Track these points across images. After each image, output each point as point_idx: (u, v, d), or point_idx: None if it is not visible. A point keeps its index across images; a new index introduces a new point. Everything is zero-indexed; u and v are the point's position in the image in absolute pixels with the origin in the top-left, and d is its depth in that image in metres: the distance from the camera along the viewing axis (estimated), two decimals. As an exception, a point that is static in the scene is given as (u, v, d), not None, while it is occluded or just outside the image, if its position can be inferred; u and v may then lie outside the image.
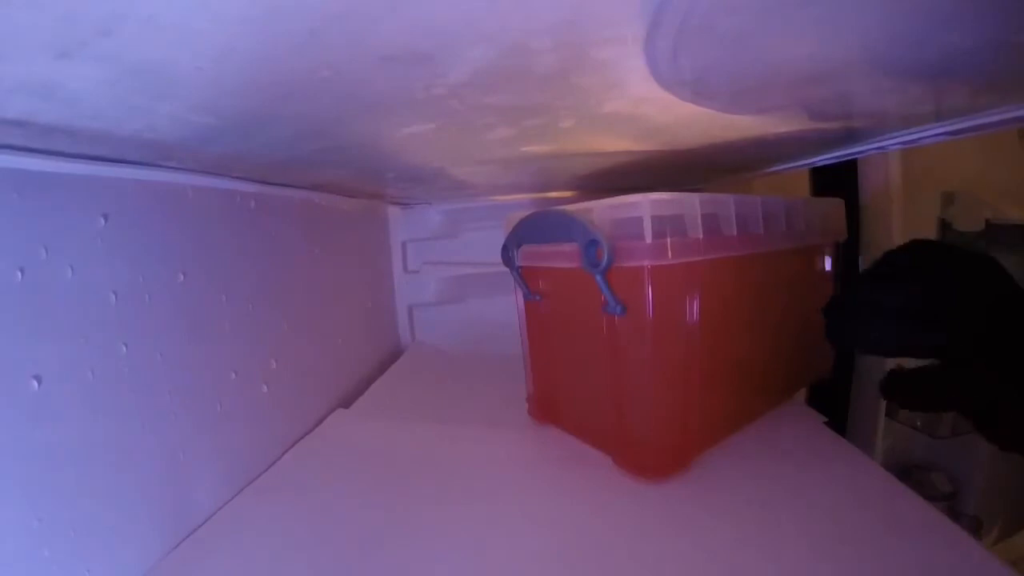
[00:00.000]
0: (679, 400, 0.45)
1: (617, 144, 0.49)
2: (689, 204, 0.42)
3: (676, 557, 0.36)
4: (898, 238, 0.82)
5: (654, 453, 0.46)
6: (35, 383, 0.29)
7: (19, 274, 0.29)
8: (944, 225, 0.79)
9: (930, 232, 0.81)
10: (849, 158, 0.57)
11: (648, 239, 0.41)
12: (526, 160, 0.54)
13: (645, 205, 0.41)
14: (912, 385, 0.38)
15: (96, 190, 0.34)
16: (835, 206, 0.64)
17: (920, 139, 0.45)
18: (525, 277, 0.56)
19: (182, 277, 0.41)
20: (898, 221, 0.82)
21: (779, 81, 0.31)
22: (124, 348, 0.36)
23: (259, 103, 0.29)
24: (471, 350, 0.88)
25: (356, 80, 0.27)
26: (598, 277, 0.43)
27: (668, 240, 0.41)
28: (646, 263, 0.41)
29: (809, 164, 0.65)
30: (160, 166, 0.39)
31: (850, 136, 0.50)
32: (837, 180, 0.85)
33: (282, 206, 0.58)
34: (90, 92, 0.23)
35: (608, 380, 0.47)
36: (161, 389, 0.39)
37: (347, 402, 0.68)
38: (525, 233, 0.53)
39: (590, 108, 0.36)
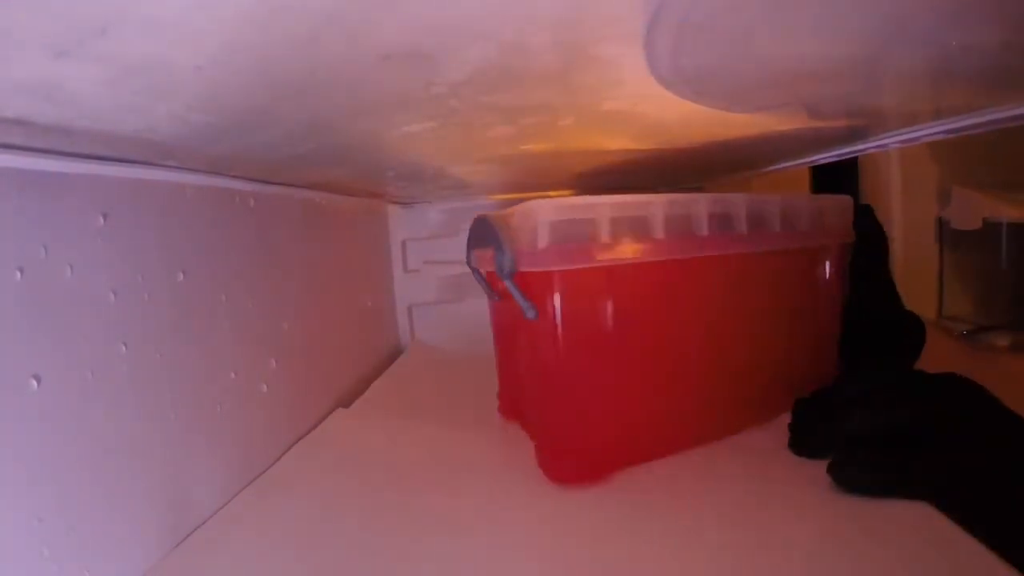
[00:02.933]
0: (592, 407, 0.44)
1: (617, 142, 0.49)
2: (599, 208, 0.42)
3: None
4: (898, 238, 0.82)
5: (565, 458, 0.45)
6: (35, 383, 0.29)
7: (19, 274, 0.29)
8: (942, 224, 0.79)
9: (929, 232, 0.81)
10: (849, 156, 0.57)
11: (543, 244, 0.41)
12: (526, 158, 0.54)
13: (541, 211, 0.41)
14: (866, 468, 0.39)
15: (96, 189, 0.34)
16: (837, 204, 0.57)
17: (920, 137, 0.45)
18: (488, 278, 0.55)
19: (182, 276, 0.41)
20: (898, 220, 0.82)
21: (779, 79, 0.31)
22: (124, 348, 0.36)
23: (259, 102, 0.29)
24: (471, 349, 0.88)
25: (356, 79, 0.27)
26: (506, 282, 0.43)
27: (572, 246, 0.41)
28: (551, 268, 0.41)
29: (809, 162, 0.65)
30: (160, 165, 0.39)
31: (850, 134, 0.50)
32: (837, 178, 0.85)
33: (282, 205, 0.58)
34: (89, 91, 0.23)
35: (532, 381, 0.48)
36: (161, 389, 0.39)
37: (347, 402, 0.67)
38: (472, 236, 0.54)
39: (590, 106, 0.36)
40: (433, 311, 0.96)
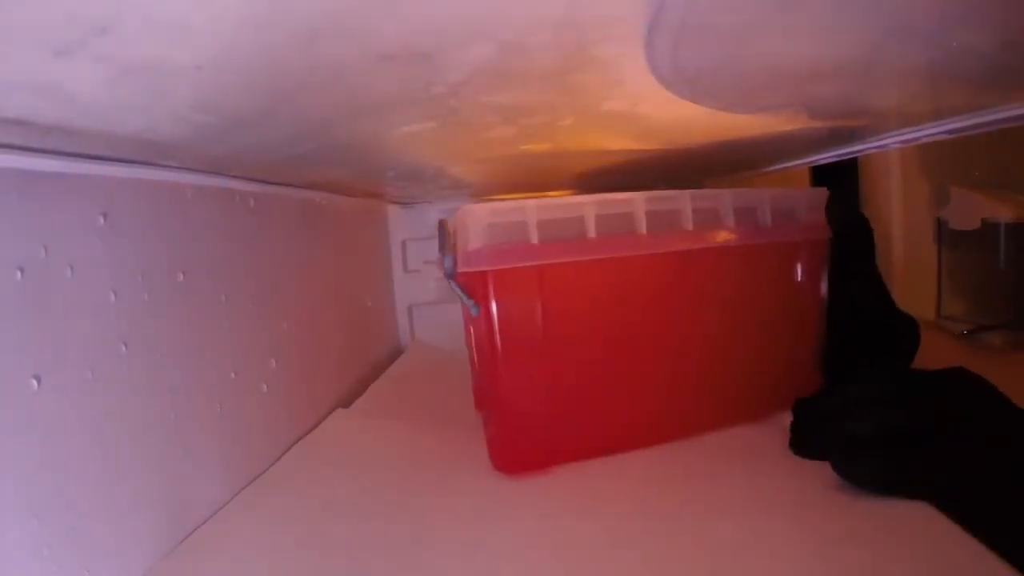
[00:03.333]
0: (530, 402, 0.46)
1: (617, 143, 0.49)
2: (527, 211, 0.44)
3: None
4: (897, 237, 0.82)
5: (507, 449, 0.47)
6: (35, 383, 0.29)
7: (19, 274, 0.29)
8: (940, 224, 0.79)
9: (928, 232, 0.81)
10: (849, 156, 0.57)
11: (477, 245, 0.43)
12: (526, 159, 0.54)
13: (474, 214, 0.43)
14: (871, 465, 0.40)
15: (96, 189, 0.34)
16: (810, 198, 0.54)
17: (920, 137, 0.45)
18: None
19: (182, 277, 0.41)
20: (898, 220, 0.82)
21: (780, 79, 0.31)
22: (124, 348, 0.36)
23: (259, 102, 0.29)
24: (471, 349, 0.88)
25: (356, 79, 0.27)
26: (450, 282, 0.45)
27: (504, 247, 0.43)
28: (485, 268, 0.43)
29: (810, 162, 0.65)
30: (160, 165, 0.39)
31: (850, 134, 0.50)
32: (837, 178, 0.85)
33: (282, 205, 0.58)
34: (89, 91, 0.23)
35: (480, 376, 0.50)
36: (161, 389, 0.39)
37: (347, 402, 0.67)
38: (439, 240, 0.56)
39: (590, 106, 0.36)
40: (433, 311, 0.96)
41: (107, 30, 0.18)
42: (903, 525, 0.36)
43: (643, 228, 0.46)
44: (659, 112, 0.37)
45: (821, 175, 0.85)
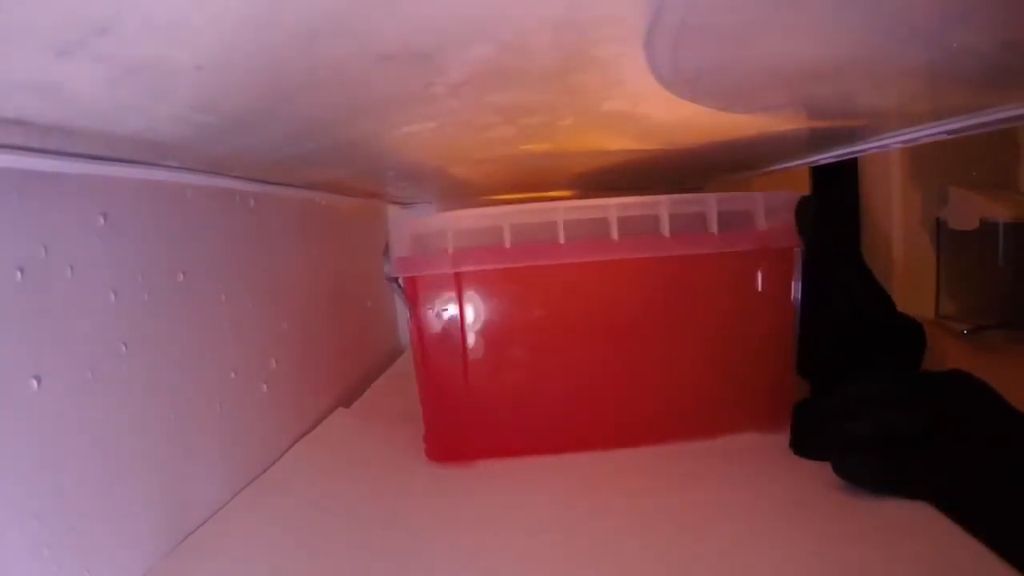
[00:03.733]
0: (450, 399, 0.50)
1: (617, 143, 0.49)
2: (447, 221, 0.48)
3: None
4: (897, 238, 0.82)
5: (431, 437, 0.52)
6: (35, 383, 0.29)
7: (19, 274, 0.29)
8: (939, 224, 0.80)
9: (928, 232, 0.81)
10: (850, 157, 0.57)
11: (406, 252, 0.49)
12: (526, 159, 0.54)
13: (406, 224, 0.49)
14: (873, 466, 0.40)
15: (96, 189, 0.34)
16: (776, 203, 0.50)
17: (921, 137, 0.45)
18: None
19: (182, 277, 0.41)
20: (898, 220, 0.82)
21: (780, 79, 0.31)
22: (124, 348, 0.36)
23: (259, 102, 0.29)
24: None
25: (356, 79, 0.27)
26: (390, 284, 0.50)
27: (428, 255, 0.48)
28: (412, 274, 0.49)
29: (810, 163, 0.65)
30: (160, 165, 0.39)
31: (850, 135, 0.50)
32: (838, 179, 0.85)
33: (282, 205, 0.58)
34: (90, 91, 0.23)
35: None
36: (161, 389, 0.39)
37: (347, 402, 0.67)
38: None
39: (590, 107, 0.36)
40: (433, 311, 0.96)
41: (107, 30, 0.18)
42: (903, 525, 0.36)
43: (561, 238, 0.47)
44: (659, 112, 0.37)
45: (821, 175, 0.85)
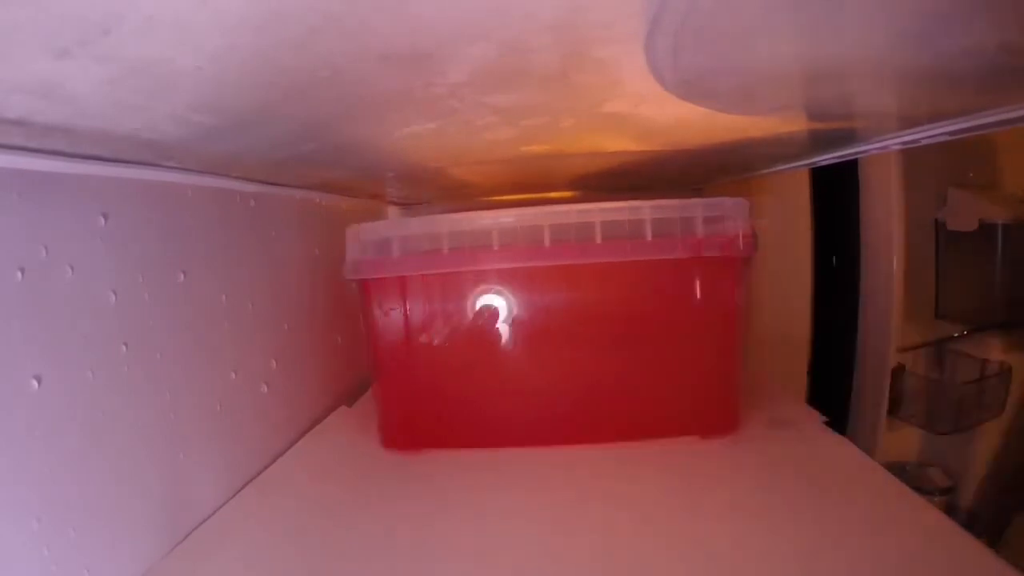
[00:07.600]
0: (397, 391, 0.54)
1: (617, 144, 0.49)
2: (393, 228, 0.53)
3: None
4: (898, 238, 0.82)
5: (384, 427, 0.55)
6: (35, 383, 0.29)
7: (19, 274, 0.29)
8: (939, 225, 0.80)
9: (927, 233, 0.81)
10: (850, 158, 0.57)
11: (357, 256, 0.51)
12: (526, 160, 0.54)
13: (358, 230, 0.51)
14: None
15: (96, 190, 0.34)
16: (706, 210, 0.48)
17: (921, 139, 0.45)
18: None
19: (182, 277, 0.41)
20: (897, 221, 0.82)
21: (780, 81, 0.31)
22: (124, 348, 0.36)
23: (259, 102, 0.29)
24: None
25: (356, 79, 0.27)
26: (350, 283, 0.53)
27: (377, 259, 0.51)
28: (363, 277, 0.52)
29: (810, 164, 0.65)
30: (160, 166, 0.39)
31: (850, 136, 0.50)
32: (838, 180, 0.85)
33: (282, 206, 0.58)
34: (90, 91, 0.23)
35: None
36: (161, 389, 0.39)
37: (348, 401, 0.68)
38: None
39: (590, 108, 0.36)
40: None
41: (108, 30, 0.18)
42: (902, 524, 0.36)
43: (495, 244, 0.49)
44: (660, 113, 0.37)
45: (821, 177, 0.85)
